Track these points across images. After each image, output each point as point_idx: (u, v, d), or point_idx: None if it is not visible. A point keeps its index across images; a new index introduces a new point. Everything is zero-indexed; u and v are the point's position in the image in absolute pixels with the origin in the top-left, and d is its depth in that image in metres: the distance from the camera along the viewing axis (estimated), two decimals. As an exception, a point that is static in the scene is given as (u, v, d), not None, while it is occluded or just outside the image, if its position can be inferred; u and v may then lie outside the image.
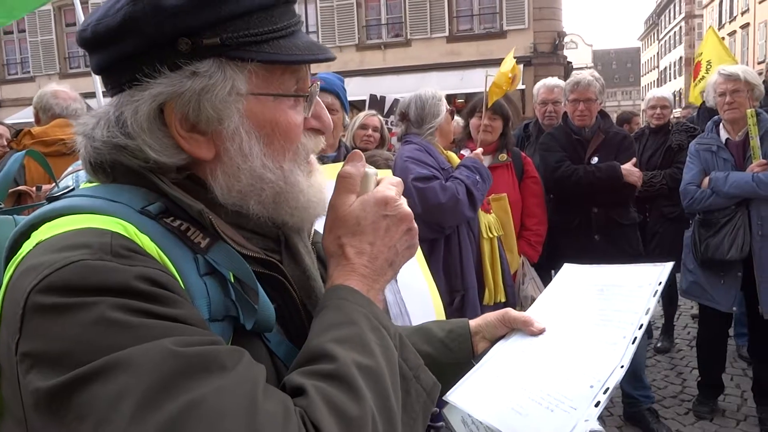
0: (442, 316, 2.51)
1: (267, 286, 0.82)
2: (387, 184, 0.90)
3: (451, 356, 1.15)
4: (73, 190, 0.86)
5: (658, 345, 5.27)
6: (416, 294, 2.49)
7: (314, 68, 0.93)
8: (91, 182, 0.86)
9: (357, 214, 0.86)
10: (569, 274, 1.33)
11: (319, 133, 0.92)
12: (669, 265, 1.17)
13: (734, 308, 3.74)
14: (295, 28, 0.84)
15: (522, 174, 3.81)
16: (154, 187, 0.80)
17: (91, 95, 3.60)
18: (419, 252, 2.64)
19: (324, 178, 0.93)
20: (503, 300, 3.15)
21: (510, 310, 1.19)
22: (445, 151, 3.22)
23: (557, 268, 4.20)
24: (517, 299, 3.45)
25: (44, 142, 3.10)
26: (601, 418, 0.95)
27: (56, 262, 0.65)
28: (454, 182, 2.97)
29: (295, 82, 0.85)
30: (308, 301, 0.90)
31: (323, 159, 2.61)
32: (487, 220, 3.19)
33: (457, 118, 3.97)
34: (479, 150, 3.29)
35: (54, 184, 1.90)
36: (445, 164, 3.11)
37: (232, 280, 0.77)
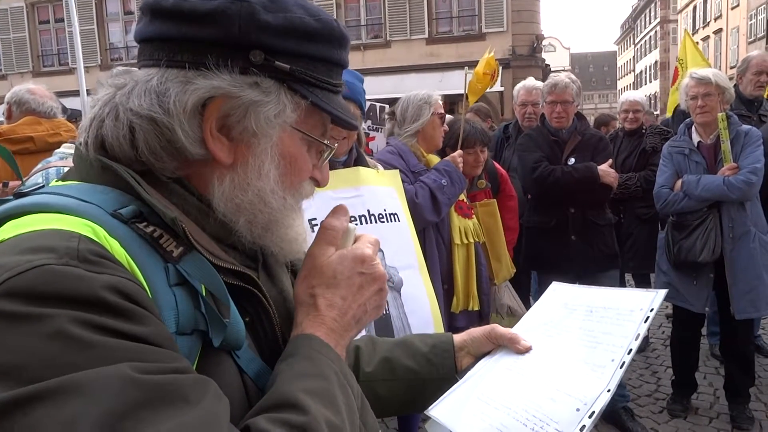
0: (440, 325, 2.54)
1: (241, 299, 0.80)
2: (365, 242, 0.92)
3: (435, 372, 1.14)
4: (43, 187, 0.81)
5: (634, 344, 5.34)
6: (418, 307, 2.50)
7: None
8: (62, 180, 0.83)
9: (334, 267, 0.87)
10: (557, 292, 1.30)
11: (317, 185, 0.95)
12: (662, 293, 1.16)
13: (706, 309, 3.81)
14: (341, 90, 0.91)
15: (498, 191, 3.78)
16: (130, 190, 0.77)
17: (64, 94, 3.54)
18: (423, 262, 2.65)
19: (304, 227, 0.95)
20: (477, 308, 3.08)
21: (497, 327, 1.18)
22: (426, 155, 3.12)
23: (535, 268, 4.28)
24: (492, 307, 3.44)
25: (11, 140, 3.03)
26: None
27: (17, 266, 0.61)
28: (416, 186, 2.88)
29: (321, 133, 0.89)
30: (284, 322, 0.88)
31: (335, 164, 2.56)
32: (464, 225, 3.08)
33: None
34: (456, 153, 3.16)
35: (21, 181, 1.85)
36: (418, 167, 3.02)
37: (204, 293, 0.75)
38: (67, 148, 2.27)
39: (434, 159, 3.15)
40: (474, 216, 3.18)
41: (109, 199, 0.75)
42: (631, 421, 3.81)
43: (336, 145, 0.94)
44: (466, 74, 3.44)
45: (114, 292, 0.63)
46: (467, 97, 3.53)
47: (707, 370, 4.73)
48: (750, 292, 3.58)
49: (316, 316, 0.85)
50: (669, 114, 6.60)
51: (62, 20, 20.34)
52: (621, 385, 3.81)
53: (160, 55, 0.80)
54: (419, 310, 2.51)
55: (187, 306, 0.73)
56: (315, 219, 2.39)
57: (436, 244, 2.96)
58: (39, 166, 2.17)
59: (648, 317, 1.10)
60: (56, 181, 0.84)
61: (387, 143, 3.13)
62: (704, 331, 4.62)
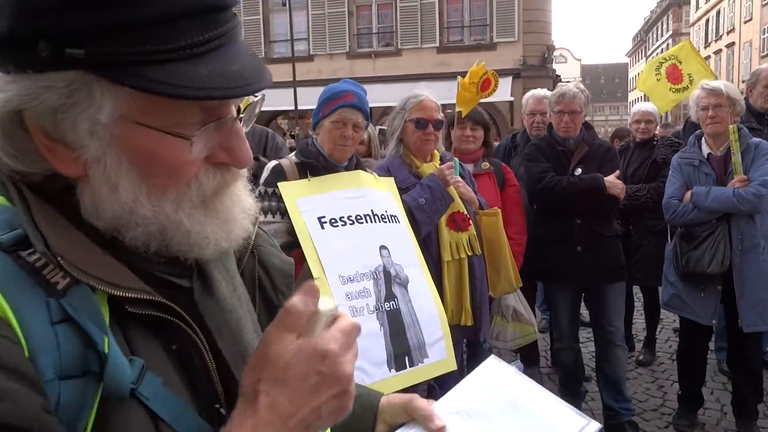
0: (445, 321, 2.64)
1: (164, 327, 0.72)
2: (336, 332, 0.73)
3: (351, 422, 0.97)
4: None
5: (640, 358, 5.29)
6: (424, 302, 2.55)
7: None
8: None
9: (287, 360, 0.69)
10: (491, 371, 1.19)
11: (236, 166, 0.77)
12: (595, 425, 1.06)
13: (714, 321, 3.76)
14: (208, 47, 0.66)
15: (503, 183, 3.81)
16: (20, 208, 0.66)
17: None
18: (423, 260, 2.66)
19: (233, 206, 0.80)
20: (470, 324, 2.96)
21: (416, 398, 1.06)
22: (421, 165, 3.02)
23: (541, 279, 4.25)
24: (498, 310, 3.42)
25: None
26: None
27: None
28: None
29: (199, 110, 0.69)
30: (220, 337, 0.78)
31: (337, 169, 2.58)
32: (456, 239, 2.95)
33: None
34: (445, 165, 2.99)
35: None
36: (406, 182, 2.91)
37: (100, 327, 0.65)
38: None
39: (429, 168, 3.02)
40: (470, 227, 3.02)
41: None
42: (635, 436, 3.76)
43: (228, 117, 0.74)
44: (458, 84, 3.41)
45: None
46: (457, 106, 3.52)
47: (714, 385, 4.66)
48: (758, 305, 3.53)
49: (252, 417, 0.68)
50: (661, 112, 6.03)
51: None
52: (626, 399, 3.85)
53: None
54: (426, 305, 2.56)
55: (72, 346, 0.63)
56: (324, 217, 2.43)
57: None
58: None
59: None
60: None
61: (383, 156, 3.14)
62: (712, 346, 4.56)
